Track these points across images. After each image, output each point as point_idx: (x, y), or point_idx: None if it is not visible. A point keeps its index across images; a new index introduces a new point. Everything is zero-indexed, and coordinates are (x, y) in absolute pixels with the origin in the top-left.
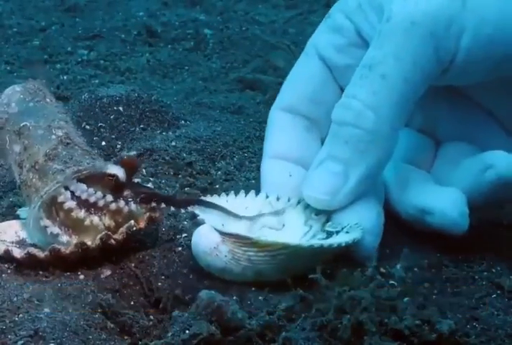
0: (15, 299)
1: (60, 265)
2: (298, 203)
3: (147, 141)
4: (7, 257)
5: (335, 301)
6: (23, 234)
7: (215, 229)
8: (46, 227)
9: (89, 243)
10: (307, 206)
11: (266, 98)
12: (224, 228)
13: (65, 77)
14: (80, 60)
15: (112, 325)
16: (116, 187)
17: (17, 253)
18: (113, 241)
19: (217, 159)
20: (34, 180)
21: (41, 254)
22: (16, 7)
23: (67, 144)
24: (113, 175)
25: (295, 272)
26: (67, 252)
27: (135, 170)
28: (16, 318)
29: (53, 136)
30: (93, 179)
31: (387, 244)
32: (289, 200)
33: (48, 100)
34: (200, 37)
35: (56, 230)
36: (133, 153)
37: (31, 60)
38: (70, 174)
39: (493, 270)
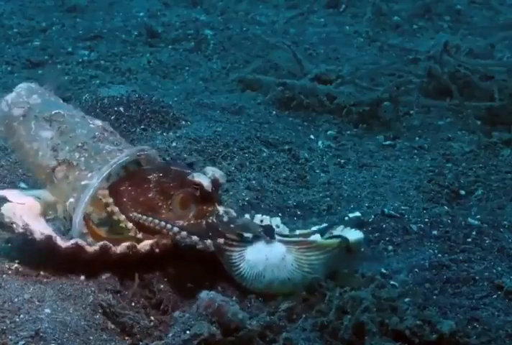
0: (16, 299)
1: (105, 263)
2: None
3: (147, 142)
4: (46, 243)
5: (336, 301)
6: (43, 220)
7: (278, 239)
8: (113, 213)
9: (138, 247)
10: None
11: (266, 99)
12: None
13: (65, 78)
14: (80, 60)
15: (113, 326)
16: (200, 197)
17: (62, 242)
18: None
19: (218, 160)
20: (82, 158)
21: (90, 248)
22: (16, 8)
23: (111, 132)
24: (199, 184)
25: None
26: (117, 252)
27: (220, 187)
28: (17, 319)
29: (92, 126)
30: (175, 184)
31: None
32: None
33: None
34: (200, 37)
35: (122, 217)
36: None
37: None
38: (135, 150)
39: (493, 271)
